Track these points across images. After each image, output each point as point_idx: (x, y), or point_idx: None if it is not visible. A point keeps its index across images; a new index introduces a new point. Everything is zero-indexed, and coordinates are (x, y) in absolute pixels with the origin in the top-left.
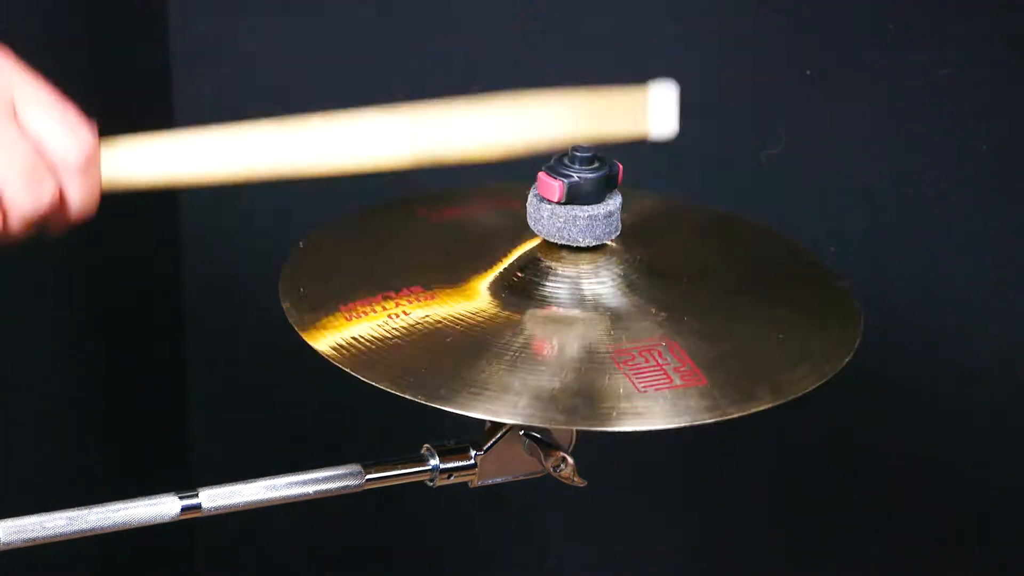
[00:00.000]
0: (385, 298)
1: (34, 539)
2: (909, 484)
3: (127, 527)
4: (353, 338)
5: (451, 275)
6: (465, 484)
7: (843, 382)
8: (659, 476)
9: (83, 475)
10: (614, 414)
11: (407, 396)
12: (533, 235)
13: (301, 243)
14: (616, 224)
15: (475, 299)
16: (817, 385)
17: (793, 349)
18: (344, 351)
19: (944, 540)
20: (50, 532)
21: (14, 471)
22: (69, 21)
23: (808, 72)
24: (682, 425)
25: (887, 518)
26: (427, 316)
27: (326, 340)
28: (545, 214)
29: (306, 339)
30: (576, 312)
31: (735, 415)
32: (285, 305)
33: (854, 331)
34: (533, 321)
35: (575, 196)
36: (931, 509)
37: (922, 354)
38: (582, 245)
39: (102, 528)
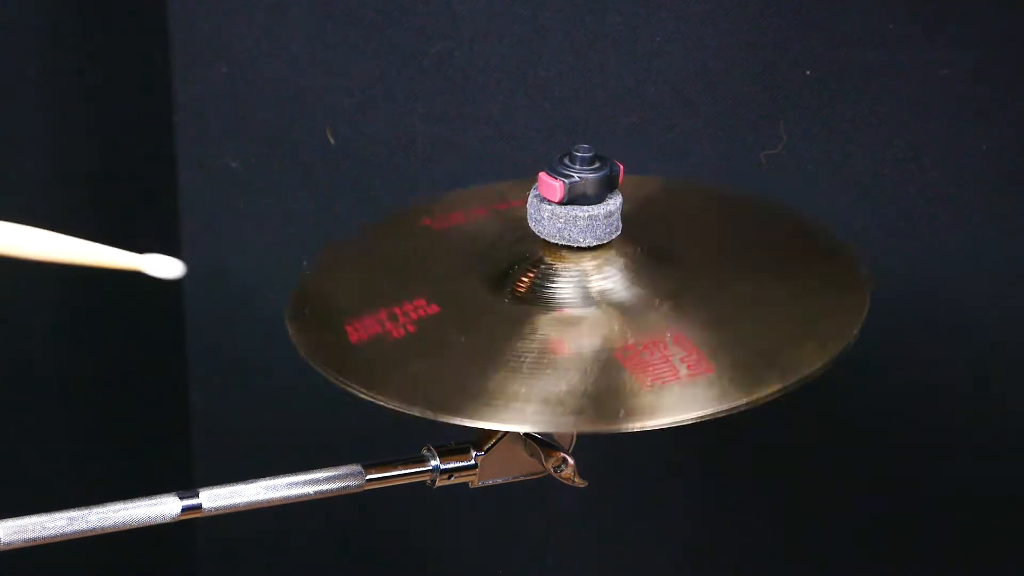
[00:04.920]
0: (390, 313)
1: (35, 539)
2: (909, 484)
3: (127, 527)
4: (360, 359)
5: (453, 285)
6: (466, 484)
7: (843, 382)
8: (659, 477)
9: (83, 475)
10: (621, 413)
11: (415, 413)
12: (534, 236)
13: (307, 266)
14: (616, 224)
15: (478, 306)
16: (825, 363)
17: (798, 328)
18: (351, 371)
19: (944, 540)
20: (51, 532)
21: (14, 471)
22: (69, 21)
23: (808, 72)
24: (691, 419)
25: (887, 518)
26: (432, 329)
27: (335, 365)
28: (545, 215)
29: (314, 365)
30: (580, 310)
31: (744, 403)
32: (291, 328)
33: (862, 303)
34: (539, 325)
35: (575, 196)
36: (931, 509)
37: (922, 354)
38: (583, 245)
39: (102, 528)
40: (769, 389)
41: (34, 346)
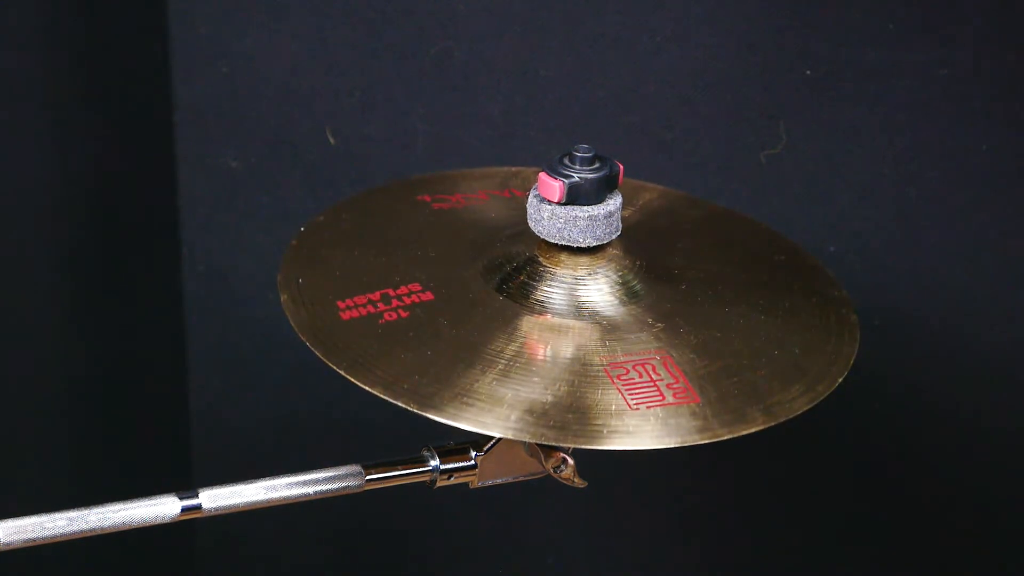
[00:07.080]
0: (383, 295)
1: (34, 539)
2: (909, 485)
3: (127, 527)
4: (349, 338)
5: (449, 273)
6: (465, 485)
7: (842, 383)
8: (659, 477)
9: (83, 475)
10: (605, 432)
11: (399, 403)
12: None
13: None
14: (616, 224)
15: (472, 301)
16: (810, 406)
17: (788, 367)
18: (340, 352)
19: (944, 541)
20: (50, 532)
21: (14, 471)
22: (69, 21)
23: (808, 72)
24: (671, 446)
25: (886, 519)
26: (424, 317)
27: (322, 339)
28: (545, 215)
29: (302, 337)
30: (572, 321)
31: (725, 437)
32: (283, 297)
33: (851, 347)
34: (529, 328)
35: (575, 196)
36: (931, 509)
37: (922, 354)
38: (582, 245)
39: (102, 528)
40: (751, 428)
41: (34, 346)
